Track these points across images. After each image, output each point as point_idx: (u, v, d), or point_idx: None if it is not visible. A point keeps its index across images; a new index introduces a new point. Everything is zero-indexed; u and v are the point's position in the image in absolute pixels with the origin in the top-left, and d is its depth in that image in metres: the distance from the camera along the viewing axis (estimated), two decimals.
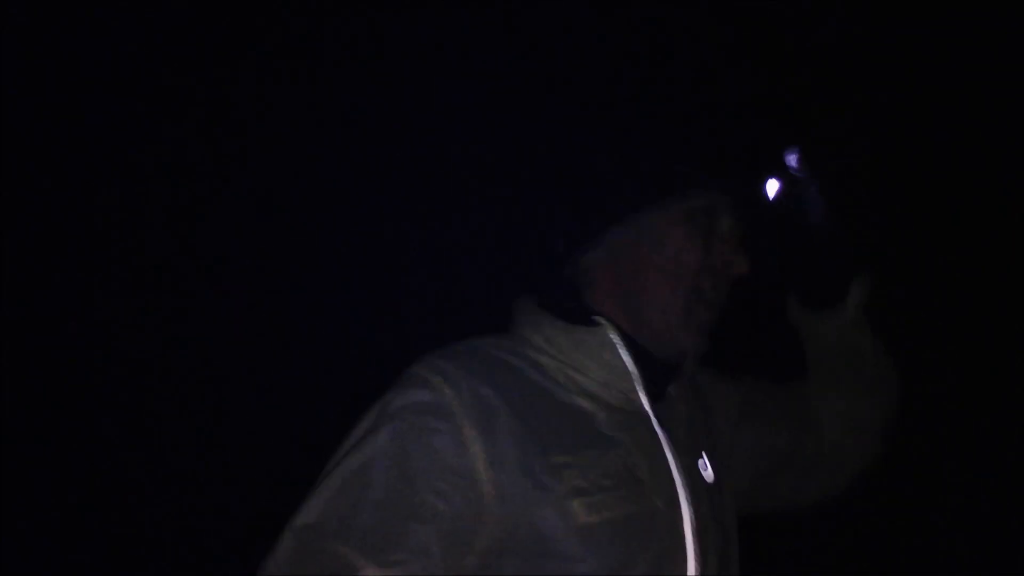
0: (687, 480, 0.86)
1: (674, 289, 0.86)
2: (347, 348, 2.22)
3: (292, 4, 2.22)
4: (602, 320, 0.87)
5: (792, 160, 0.97)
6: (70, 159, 2.20)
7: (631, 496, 0.81)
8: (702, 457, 0.92)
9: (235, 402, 2.21)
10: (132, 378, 2.25)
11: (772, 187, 0.97)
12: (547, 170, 0.97)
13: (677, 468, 0.86)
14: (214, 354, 2.25)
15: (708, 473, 0.92)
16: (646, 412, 0.87)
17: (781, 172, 0.97)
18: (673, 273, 0.86)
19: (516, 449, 0.77)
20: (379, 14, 2.20)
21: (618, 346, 0.86)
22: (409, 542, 0.73)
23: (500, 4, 2.16)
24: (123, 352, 2.25)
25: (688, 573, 0.83)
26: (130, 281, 2.27)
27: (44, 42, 2.10)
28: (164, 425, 2.23)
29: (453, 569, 0.75)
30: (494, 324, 0.94)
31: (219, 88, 2.26)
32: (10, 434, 2.10)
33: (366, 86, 2.23)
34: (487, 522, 0.76)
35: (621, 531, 0.79)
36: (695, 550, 0.84)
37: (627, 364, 0.86)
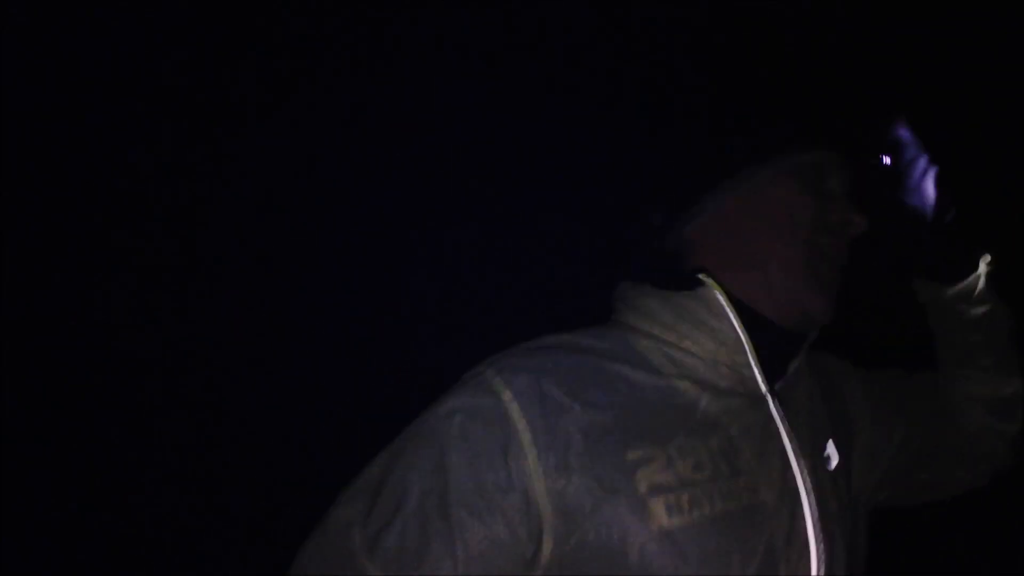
0: (810, 470, 0.76)
1: (793, 246, 0.78)
2: (378, 347, 2.19)
3: (292, 3, 2.22)
4: (710, 281, 0.77)
5: (903, 132, 0.92)
6: (69, 159, 2.20)
7: (730, 490, 0.71)
8: (828, 442, 0.82)
9: (235, 402, 2.20)
10: (132, 378, 2.25)
11: (888, 152, 0.92)
12: (632, 142, 0.90)
13: (796, 456, 0.76)
14: (214, 354, 2.25)
15: (833, 462, 0.81)
16: (762, 392, 0.77)
17: (893, 138, 0.92)
18: (788, 229, 0.79)
19: (586, 450, 0.69)
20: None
21: (727, 308, 0.75)
22: (430, 565, 0.68)
23: None
24: (123, 352, 2.25)
25: (812, 573, 0.73)
26: (129, 280, 2.27)
27: (44, 42, 2.10)
28: (164, 425, 2.23)
29: None
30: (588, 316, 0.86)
31: (218, 88, 2.26)
32: (10, 434, 2.10)
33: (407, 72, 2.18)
34: (547, 538, 0.67)
35: (714, 532, 0.69)
36: (817, 548, 0.73)
37: (738, 332, 0.76)
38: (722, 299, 0.76)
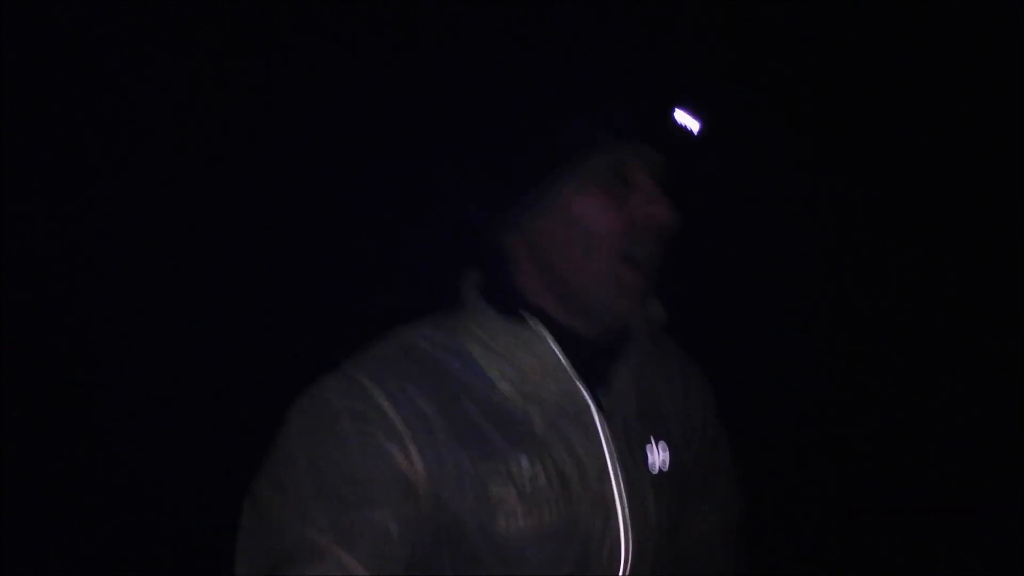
0: (625, 474, 0.84)
1: (596, 260, 0.81)
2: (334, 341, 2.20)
3: (284, 6, 2.22)
4: (527, 315, 0.83)
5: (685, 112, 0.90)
6: (68, 159, 2.20)
7: (557, 503, 0.80)
8: (650, 443, 0.89)
9: (234, 402, 2.21)
10: (131, 377, 2.25)
11: (690, 121, 0.88)
12: (445, 148, 0.93)
13: (613, 463, 0.83)
14: (213, 353, 2.25)
15: (658, 459, 0.88)
16: (586, 402, 0.84)
17: (691, 105, 0.90)
18: (590, 243, 0.81)
19: (449, 460, 0.78)
20: None
21: (548, 340, 0.82)
22: (369, 527, 0.73)
23: None
24: (122, 351, 2.26)
25: (619, 572, 0.82)
26: (129, 281, 2.27)
27: (43, 41, 2.10)
28: (164, 425, 2.23)
29: (411, 550, 0.76)
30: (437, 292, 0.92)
31: (217, 88, 2.26)
32: (10, 434, 2.11)
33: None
34: (423, 520, 0.77)
35: (542, 538, 0.79)
36: (626, 548, 0.82)
37: (560, 357, 0.83)
38: (546, 334, 0.82)
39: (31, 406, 2.18)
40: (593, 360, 0.85)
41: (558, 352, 0.83)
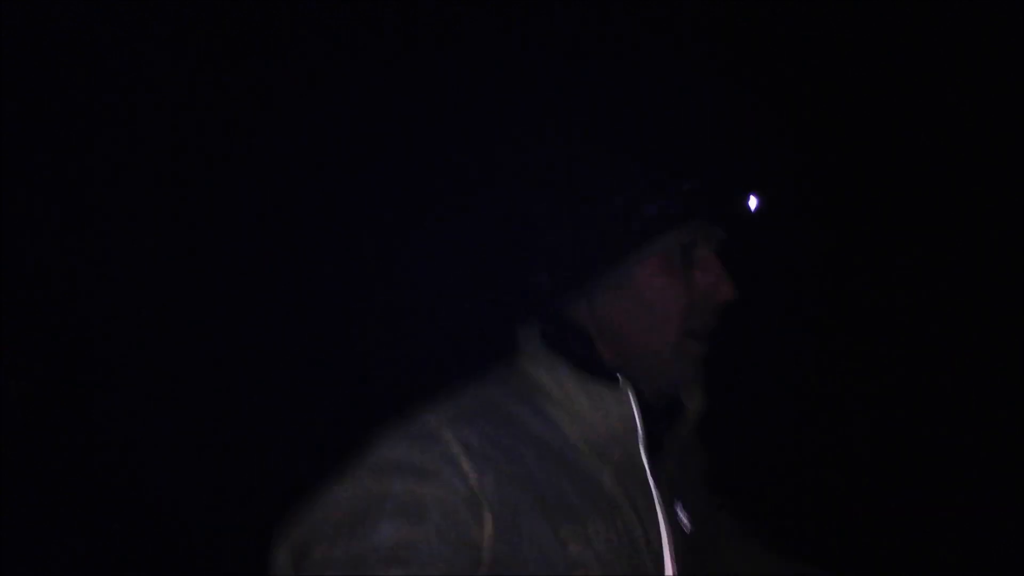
0: (671, 535, 0.87)
1: (661, 337, 0.84)
2: (343, 352, 2.21)
3: (286, 7, 2.22)
4: (621, 378, 0.85)
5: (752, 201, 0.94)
6: (68, 159, 2.20)
7: (628, 562, 0.82)
8: (678, 504, 0.92)
9: (234, 402, 2.21)
10: (132, 377, 2.25)
11: (752, 201, 0.93)
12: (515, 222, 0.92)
13: (664, 524, 0.87)
14: (213, 353, 2.25)
15: (686, 521, 0.92)
16: (643, 467, 0.87)
17: (754, 189, 0.95)
18: (657, 317, 0.84)
19: (526, 520, 0.77)
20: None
21: (633, 404, 0.84)
22: None
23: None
24: (122, 351, 2.26)
25: None
26: (129, 281, 2.27)
27: (43, 42, 2.10)
28: (164, 424, 2.23)
29: None
30: (492, 345, 0.93)
31: (217, 88, 2.26)
32: (10, 434, 2.11)
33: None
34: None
35: None
36: None
37: (637, 422, 0.85)
38: (633, 399, 0.84)
39: (31, 406, 2.18)
40: (654, 425, 0.88)
41: (637, 417, 0.85)
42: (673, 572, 0.85)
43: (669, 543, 0.86)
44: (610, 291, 0.85)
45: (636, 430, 0.85)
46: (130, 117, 2.23)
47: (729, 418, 1.10)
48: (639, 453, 0.86)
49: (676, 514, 0.90)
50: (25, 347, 2.17)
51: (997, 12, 2.12)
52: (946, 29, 2.21)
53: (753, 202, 0.91)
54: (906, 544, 2.30)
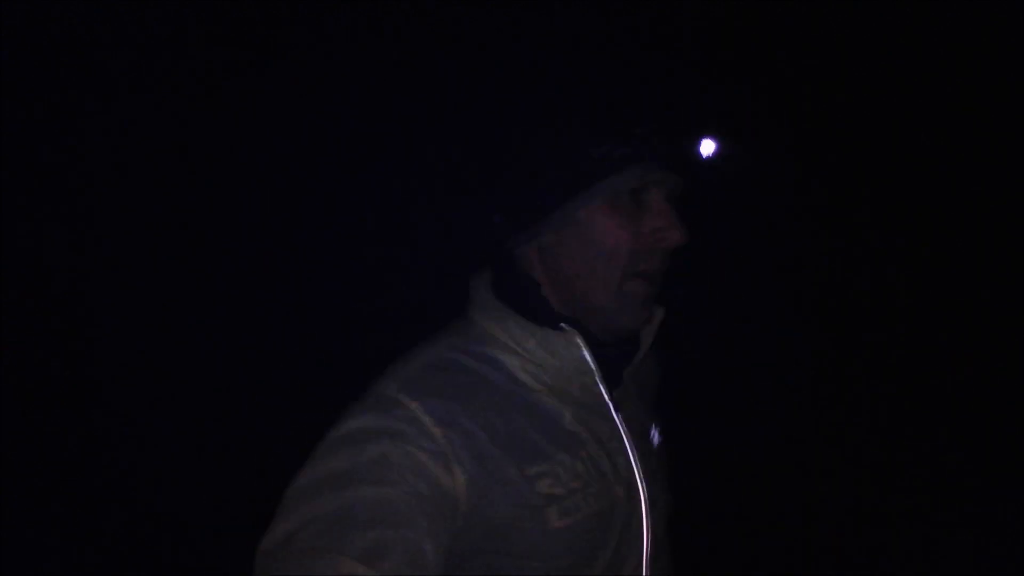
0: (641, 459, 0.91)
1: (607, 274, 0.86)
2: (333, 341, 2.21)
3: (282, 10, 2.23)
4: (565, 324, 0.88)
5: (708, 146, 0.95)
6: (68, 159, 2.20)
7: (598, 492, 0.86)
8: (652, 428, 0.96)
9: (234, 402, 2.21)
10: (132, 377, 2.26)
11: (707, 147, 0.96)
12: (470, 164, 0.95)
13: (633, 453, 0.90)
14: (213, 353, 2.25)
15: (656, 439, 0.96)
16: (605, 402, 0.90)
17: (711, 133, 0.95)
18: (603, 260, 0.86)
19: (494, 468, 0.81)
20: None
21: (582, 346, 0.87)
22: (400, 545, 0.74)
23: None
24: (122, 351, 2.26)
25: (644, 547, 0.90)
26: (130, 280, 2.27)
27: (43, 42, 2.10)
28: (164, 424, 2.24)
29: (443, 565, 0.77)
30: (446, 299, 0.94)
31: (218, 88, 2.26)
32: (9, 434, 2.11)
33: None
34: (460, 533, 0.79)
35: (590, 526, 0.85)
36: (648, 524, 0.90)
37: (589, 362, 0.88)
38: (580, 341, 0.87)
39: (31, 406, 2.18)
40: (607, 362, 0.90)
41: (588, 357, 0.88)
42: (644, 494, 0.89)
43: (638, 468, 0.90)
44: (558, 233, 0.86)
45: (590, 369, 0.88)
46: (130, 117, 2.23)
47: (726, 415, 1.10)
48: (599, 390, 0.89)
49: (648, 436, 0.95)
50: (25, 347, 2.18)
51: (996, 11, 2.12)
52: (944, 21, 2.20)
53: (708, 147, 0.91)
54: (905, 543, 2.30)
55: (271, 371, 2.25)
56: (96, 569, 2.14)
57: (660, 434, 0.98)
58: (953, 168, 2.38)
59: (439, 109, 2.06)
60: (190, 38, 2.21)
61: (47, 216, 2.21)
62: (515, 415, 0.85)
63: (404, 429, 0.79)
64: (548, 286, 0.89)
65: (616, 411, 0.91)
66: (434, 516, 0.76)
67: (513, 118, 0.89)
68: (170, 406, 2.26)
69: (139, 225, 2.29)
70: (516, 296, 0.90)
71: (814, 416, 2.54)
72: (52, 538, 2.13)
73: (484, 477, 0.80)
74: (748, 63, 2.25)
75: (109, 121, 2.22)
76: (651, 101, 0.88)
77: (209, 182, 2.27)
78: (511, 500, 0.81)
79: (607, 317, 0.87)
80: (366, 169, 2.26)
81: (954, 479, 2.34)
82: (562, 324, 0.88)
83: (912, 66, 2.28)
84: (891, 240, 2.44)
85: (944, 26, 2.16)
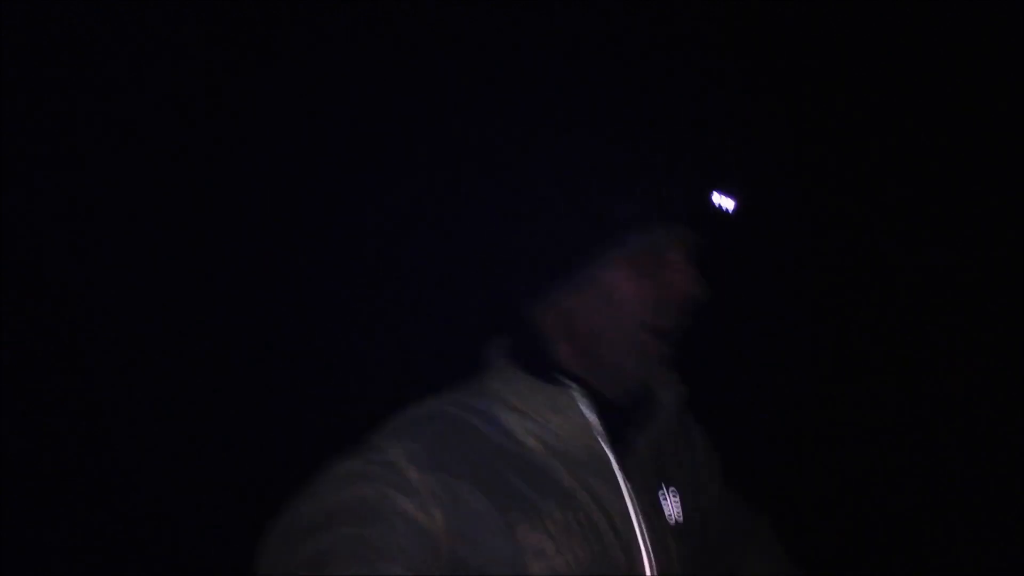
0: (648, 523, 0.87)
1: (627, 335, 0.85)
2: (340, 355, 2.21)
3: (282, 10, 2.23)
4: (567, 381, 0.87)
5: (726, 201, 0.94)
6: (68, 159, 2.21)
7: (592, 552, 0.82)
8: (663, 491, 0.92)
9: (230, 404, 2.21)
10: (132, 377, 2.26)
11: (726, 201, 0.92)
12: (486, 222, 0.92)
13: (636, 515, 0.87)
14: (213, 353, 2.25)
15: (672, 509, 0.92)
16: (610, 466, 0.87)
17: (729, 189, 0.94)
18: (624, 320, 0.84)
19: (473, 510, 0.79)
20: None
21: (582, 405, 0.86)
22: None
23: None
24: (122, 351, 2.26)
25: None
26: (130, 281, 2.27)
27: (43, 41, 2.10)
28: (164, 425, 2.24)
29: None
30: (468, 356, 0.94)
31: (218, 88, 2.26)
32: (10, 434, 2.11)
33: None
34: (443, 566, 0.77)
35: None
36: None
37: (589, 419, 0.86)
38: (579, 398, 0.86)
39: (31, 406, 2.19)
40: (616, 421, 0.88)
41: (587, 412, 0.86)
42: (650, 560, 0.86)
43: (643, 533, 0.86)
44: (578, 292, 0.85)
45: (591, 427, 0.86)
46: (130, 117, 2.23)
47: (729, 419, 1.10)
48: (602, 448, 0.87)
49: (658, 503, 0.91)
50: (25, 347, 2.18)
51: (996, 10, 2.12)
52: (944, 23, 2.21)
53: (728, 205, 0.91)
54: (906, 544, 2.30)
55: (271, 371, 2.25)
56: (96, 569, 2.15)
57: (688, 509, 0.93)
58: (954, 169, 2.38)
59: (457, 167, 2.06)
60: (190, 38, 2.21)
61: (47, 216, 2.21)
62: (503, 467, 0.83)
63: (380, 472, 0.78)
64: (564, 345, 0.88)
65: (623, 476, 0.87)
66: (414, 554, 0.75)
67: (532, 178, 0.88)
68: (170, 406, 2.26)
69: (139, 224, 2.28)
70: (527, 355, 0.89)
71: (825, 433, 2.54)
72: (52, 538, 2.14)
73: (464, 523, 0.79)
74: (770, 119, 2.26)
75: (108, 120, 2.22)
76: (676, 161, 0.87)
77: (208, 181, 2.27)
78: (493, 550, 0.79)
79: (623, 373, 0.86)
80: (375, 204, 2.26)
81: (955, 479, 2.34)
82: (558, 375, 0.86)
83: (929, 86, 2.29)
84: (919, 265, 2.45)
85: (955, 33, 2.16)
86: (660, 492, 0.92)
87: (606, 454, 0.87)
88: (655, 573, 0.86)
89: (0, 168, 2.09)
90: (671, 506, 0.92)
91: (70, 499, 2.19)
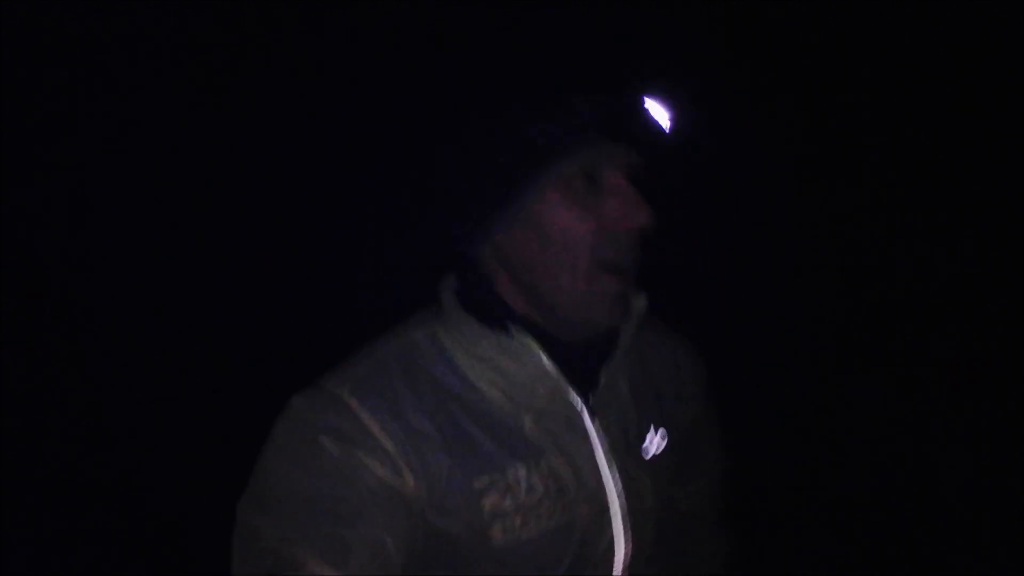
0: (622, 469, 0.84)
1: (571, 267, 0.77)
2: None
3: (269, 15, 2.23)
4: (512, 325, 0.81)
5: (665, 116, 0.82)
6: (68, 158, 2.21)
7: (555, 508, 0.80)
8: (650, 431, 0.89)
9: (233, 402, 2.21)
10: (131, 377, 2.26)
11: (662, 115, 0.81)
12: (410, 168, 0.89)
13: (609, 461, 0.84)
14: (213, 354, 2.26)
15: (653, 446, 0.89)
16: (574, 407, 0.84)
17: (662, 98, 0.82)
18: (562, 253, 0.77)
19: (441, 474, 0.77)
20: None
21: (535, 348, 0.81)
22: (359, 543, 0.72)
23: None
24: (121, 352, 2.26)
25: (616, 561, 0.84)
26: (129, 281, 2.27)
27: (43, 41, 2.10)
28: (163, 425, 2.24)
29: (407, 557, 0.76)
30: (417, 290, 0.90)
31: (218, 88, 2.26)
32: (9, 434, 2.11)
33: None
34: (415, 532, 0.77)
35: (540, 545, 0.80)
36: (625, 539, 0.84)
37: (546, 365, 0.81)
38: (532, 343, 0.80)
39: (31, 406, 2.19)
40: (580, 364, 0.84)
41: (545, 360, 0.81)
42: (620, 508, 0.84)
43: (613, 478, 0.84)
44: (512, 229, 0.79)
45: (550, 373, 0.81)
46: (130, 117, 2.23)
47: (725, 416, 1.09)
48: (568, 395, 0.83)
49: (634, 440, 0.87)
50: (25, 347, 2.18)
51: (994, 7, 2.12)
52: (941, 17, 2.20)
53: (664, 118, 0.81)
54: (904, 544, 2.30)
55: (271, 371, 2.25)
56: (96, 569, 2.15)
57: (668, 435, 0.89)
58: (954, 169, 2.38)
59: (382, 103, 2.00)
60: (190, 36, 2.21)
61: (47, 216, 2.21)
62: (467, 422, 0.80)
63: (347, 429, 0.75)
64: (509, 286, 0.82)
65: (592, 418, 0.84)
66: (389, 512, 0.73)
67: (441, 108, 0.82)
68: (170, 406, 2.26)
69: (138, 223, 2.29)
70: (473, 298, 0.83)
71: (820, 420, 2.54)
72: (52, 538, 2.14)
73: (432, 483, 0.76)
74: (706, 10, 2.10)
75: (108, 120, 2.22)
76: (590, 69, 0.78)
77: (208, 181, 2.27)
78: (457, 510, 0.77)
79: (574, 315, 0.79)
80: (325, 168, 2.25)
81: (954, 479, 2.34)
82: (507, 323, 0.80)
83: (907, 63, 2.26)
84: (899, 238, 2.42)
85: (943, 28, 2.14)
86: (640, 427, 0.89)
87: (569, 399, 0.83)
88: (625, 514, 0.83)
89: (0, 168, 2.09)
90: (654, 442, 0.89)
91: (70, 499, 2.19)
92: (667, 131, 0.82)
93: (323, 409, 0.77)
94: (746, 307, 2.42)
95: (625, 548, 0.84)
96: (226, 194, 2.29)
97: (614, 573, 0.85)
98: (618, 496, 0.83)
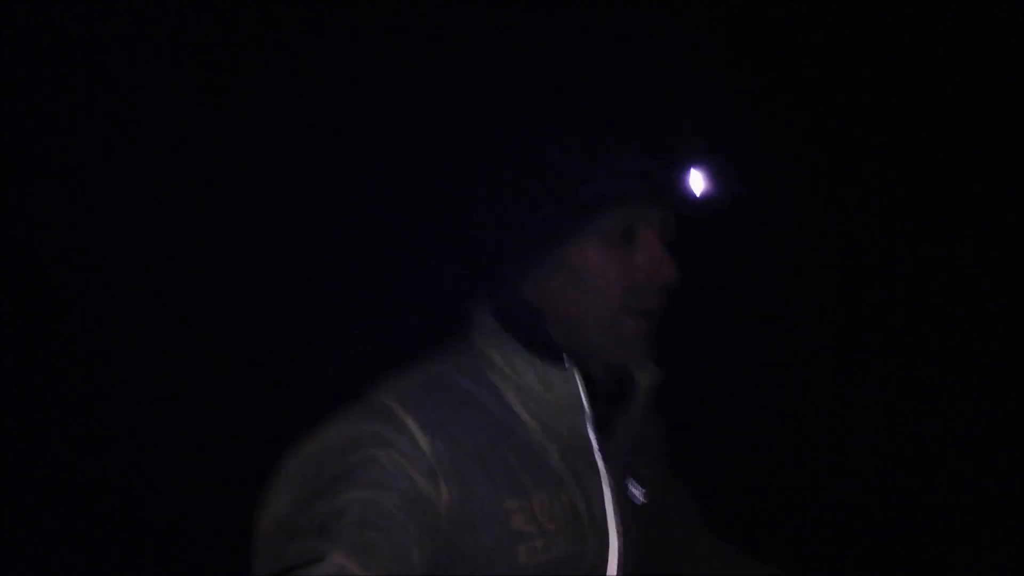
0: (619, 508, 0.91)
1: (596, 315, 0.85)
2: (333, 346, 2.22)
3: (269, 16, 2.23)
4: (570, 363, 0.87)
5: (700, 179, 0.91)
6: (68, 158, 2.21)
7: (570, 536, 0.85)
8: (631, 479, 0.95)
9: (233, 403, 2.21)
10: (131, 377, 2.26)
11: (697, 181, 0.91)
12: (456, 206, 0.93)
13: (611, 499, 0.90)
14: (213, 354, 2.26)
15: (639, 493, 0.96)
16: (591, 445, 0.90)
17: (701, 164, 0.91)
18: (597, 301, 0.85)
19: (476, 493, 0.81)
20: None
21: (578, 382, 0.87)
22: (389, 548, 0.73)
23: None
24: (121, 352, 2.26)
25: None
26: (129, 281, 2.28)
27: (43, 41, 2.10)
28: (163, 425, 2.24)
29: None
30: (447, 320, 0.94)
31: (218, 88, 2.26)
32: (9, 434, 2.11)
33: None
34: (441, 548, 0.78)
35: (553, 570, 0.83)
36: (618, 572, 0.89)
37: (584, 404, 0.88)
38: (578, 378, 0.87)
39: (31, 406, 2.19)
40: (601, 403, 0.90)
41: (583, 394, 0.87)
42: (618, 544, 0.89)
43: (615, 516, 0.90)
44: (552, 270, 0.86)
45: (582, 408, 0.88)
46: (130, 117, 2.23)
47: (718, 416, 1.10)
48: (586, 430, 0.89)
49: (627, 488, 0.94)
50: (25, 346, 2.18)
51: (996, 9, 2.12)
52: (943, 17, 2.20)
53: (699, 184, 0.89)
54: (903, 544, 2.30)
55: (271, 371, 2.25)
56: (96, 569, 2.15)
57: (646, 494, 0.97)
58: (955, 169, 2.38)
59: (423, 146, 2.03)
60: (190, 38, 2.22)
61: (47, 216, 2.21)
62: (504, 445, 0.85)
63: (394, 438, 0.78)
64: (548, 320, 0.88)
65: (603, 458, 0.90)
66: (421, 524, 0.76)
67: (498, 159, 0.88)
68: (170, 406, 2.26)
69: (138, 223, 2.29)
70: (518, 326, 0.89)
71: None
72: (52, 538, 2.14)
73: (466, 499, 0.80)
74: (744, 89, 2.20)
75: (108, 120, 2.22)
76: (638, 136, 0.85)
77: (208, 181, 2.27)
78: (486, 529, 0.80)
79: (602, 355, 0.87)
80: (366, 175, 2.25)
81: (956, 479, 2.34)
82: (564, 359, 0.87)
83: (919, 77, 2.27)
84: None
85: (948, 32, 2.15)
86: (629, 475, 0.95)
87: (589, 436, 0.90)
88: (620, 556, 0.89)
89: (0, 168, 2.09)
90: (637, 488, 0.96)
91: (70, 499, 2.19)
92: (702, 197, 0.91)
93: (370, 417, 0.81)
94: (746, 307, 2.42)
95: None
96: (226, 194, 2.29)
97: None
98: (617, 533, 0.89)
